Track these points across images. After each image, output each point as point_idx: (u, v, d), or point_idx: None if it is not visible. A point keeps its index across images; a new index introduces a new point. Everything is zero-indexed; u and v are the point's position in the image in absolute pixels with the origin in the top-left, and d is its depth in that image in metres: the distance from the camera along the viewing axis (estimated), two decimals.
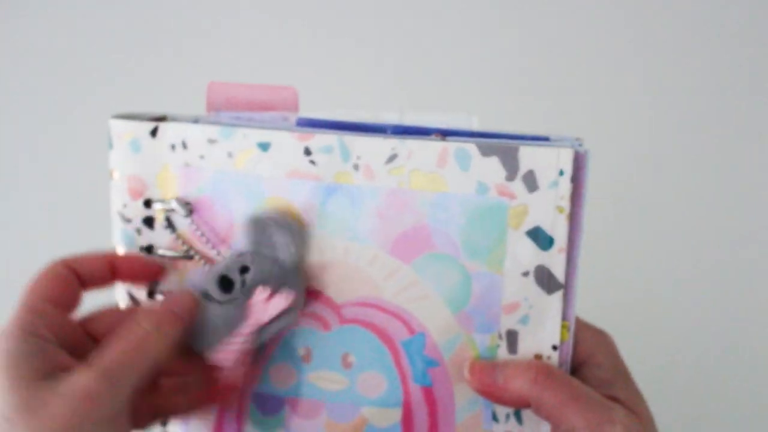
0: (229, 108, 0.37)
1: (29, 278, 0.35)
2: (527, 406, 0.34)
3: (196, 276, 0.37)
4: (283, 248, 0.35)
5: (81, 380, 0.32)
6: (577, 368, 0.36)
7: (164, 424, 0.39)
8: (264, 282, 0.35)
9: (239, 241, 0.36)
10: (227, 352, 0.35)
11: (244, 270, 0.35)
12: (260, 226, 0.35)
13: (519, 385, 0.33)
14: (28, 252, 0.63)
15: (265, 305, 0.34)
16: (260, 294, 0.34)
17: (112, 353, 0.33)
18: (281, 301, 0.34)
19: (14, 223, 0.68)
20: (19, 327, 0.34)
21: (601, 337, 0.37)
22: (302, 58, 0.63)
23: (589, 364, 0.36)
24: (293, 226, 0.35)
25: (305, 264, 0.36)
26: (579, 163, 0.32)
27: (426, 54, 0.63)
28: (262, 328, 0.35)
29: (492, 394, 0.34)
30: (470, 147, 0.33)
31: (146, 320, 0.34)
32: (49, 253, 0.36)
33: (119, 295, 0.39)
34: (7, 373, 0.32)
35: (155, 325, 0.34)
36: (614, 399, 0.34)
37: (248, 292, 0.35)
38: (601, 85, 0.64)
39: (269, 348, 0.37)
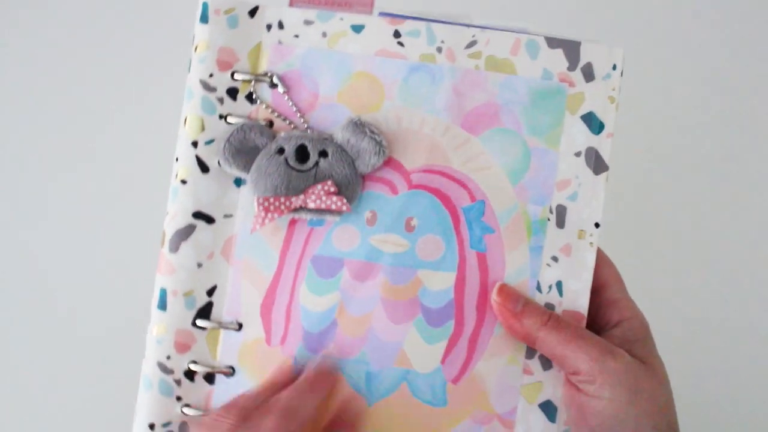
0: (311, 4, 0.43)
1: None
2: (532, 344, 0.38)
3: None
4: (366, 157, 0.39)
5: (270, 420, 0.37)
6: (615, 325, 0.40)
7: (210, 293, 0.40)
8: (332, 177, 0.38)
9: (326, 122, 0.40)
10: (263, 213, 0.38)
11: (322, 153, 0.39)
12: (358, 128, 0.39)
13: (530, 323, 0.38)
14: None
15: (321, 197, 0.38)
16: (326, 186, 0.38)
17: (284, 400, 0.38)
18: (339, 203, 0.38)
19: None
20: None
21: (638, 312, 0.41)
22: None
23: (623, 327, 0.39)
24: (383, 143, 0.39)
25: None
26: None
27: None
28: (302, 208, 0.38)
29: (506, 319, 0.38)
30: (539, 39, 0.39)
31: (302, 383, 0.39)
32: None
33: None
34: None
35: (309, 386, 0.39)
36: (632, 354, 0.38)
37: (315, 176, 0.38)
38: None
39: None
